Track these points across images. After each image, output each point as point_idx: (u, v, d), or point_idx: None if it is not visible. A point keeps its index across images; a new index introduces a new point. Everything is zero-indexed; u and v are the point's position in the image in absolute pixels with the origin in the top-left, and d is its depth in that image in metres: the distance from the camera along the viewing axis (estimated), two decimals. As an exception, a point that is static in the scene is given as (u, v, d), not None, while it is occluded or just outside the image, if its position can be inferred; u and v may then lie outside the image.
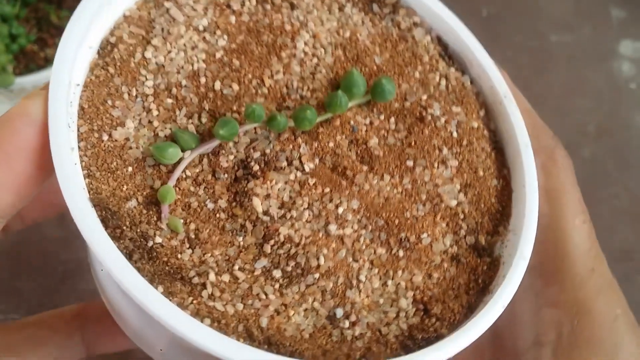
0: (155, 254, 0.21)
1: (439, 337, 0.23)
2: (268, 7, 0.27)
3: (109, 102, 0.23)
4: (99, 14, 0.24)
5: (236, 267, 0.22)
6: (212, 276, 0.21)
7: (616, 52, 0.72)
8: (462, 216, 0.26)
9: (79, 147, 0.22)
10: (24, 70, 0.54)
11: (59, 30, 0.56)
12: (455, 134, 0.27)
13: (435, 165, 0.26)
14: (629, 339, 0.25)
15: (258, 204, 0.23)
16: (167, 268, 0.21)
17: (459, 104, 0.28)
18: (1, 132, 0.22)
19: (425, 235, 0.25)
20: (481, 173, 0.27)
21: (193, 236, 0.22)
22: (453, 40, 0.29)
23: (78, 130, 0.22)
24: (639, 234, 0.53)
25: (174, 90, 0.24)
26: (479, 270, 0.25)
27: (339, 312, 0.22)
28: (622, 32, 0.73)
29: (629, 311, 0.27)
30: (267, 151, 0.24)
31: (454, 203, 0.26)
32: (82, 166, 0.21)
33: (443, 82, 0.28)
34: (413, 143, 0.26)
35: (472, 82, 0.29)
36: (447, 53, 0.29)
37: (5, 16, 0.52)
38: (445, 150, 0.27)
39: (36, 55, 0.55)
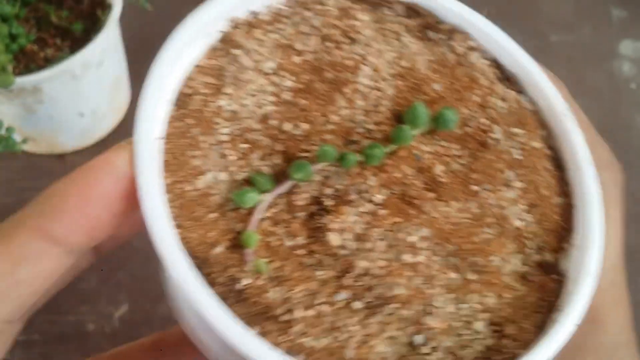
0: (245, 296, 0.23)
1: (514, 357, 0.24)
2: (329, 44, 0.29)
3: (189, 152, 0.25)
4: (173, 68, 0.26)
5: (319, 301, 0.24)
6: (298, 312, 0.23)
7: (616, 52, 0.72)
8: (528, 235, 0.27)
9: (167, 199, 0.24)
10: (24, 70, 0.55)
11: (59, 30, 0.58)
12: (517, 156, 0.29)
13: (500, 187, 0.28)
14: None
15: (334, 238, 0.25)
16: (256, 308, 0.23)
17: (519, 125, 0.29)
18: (83, 178, 0.24)
19: (494, 258, 0.26)
20: (544, 192, 0.28)
21: (276, 275, 0.24)
22: (509, 62, 0.31)
23: (165, 182, 0.25)
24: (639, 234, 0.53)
25: (248, 135, 0.26)
26: (547, 288, 0.26)
27: (419, 339, 0.24)
28: (623, 32, 0.74)
29: (633, 336, 0.28)
30: (339, 187, 0.26)
31: (519, 223, 0.27)
32: (172, 216, 0.24)
33: (502, 104, 0.30)
34: (477, 168, 0.28)
35: (530, 103, 0.30)
36: (504, 75, 0.31)
37: (5, 16, 0.53)
38: (508, 173, 0.28)
39: (36, 55, 0.56)
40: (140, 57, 0.64)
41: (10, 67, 0.51)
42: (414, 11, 0.31)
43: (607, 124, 0.56)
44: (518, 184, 0.28)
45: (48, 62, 0.55)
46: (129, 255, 0.57)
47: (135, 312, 0.55)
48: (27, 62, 0.55)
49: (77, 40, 0.57)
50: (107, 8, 0.58)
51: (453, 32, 0.31)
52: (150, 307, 0.55)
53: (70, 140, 0.63)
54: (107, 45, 0.58)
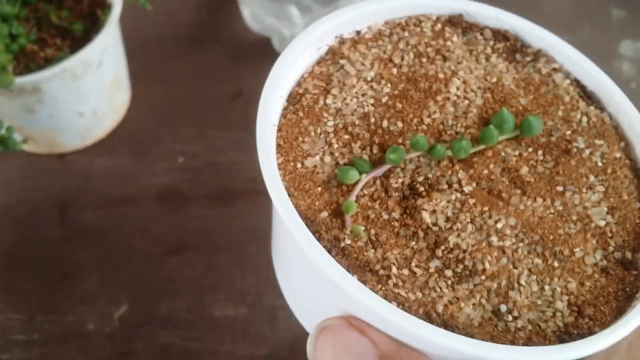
0: (347, 252, 0.26)
1: (591, 334, 0.26)
2: (424, 59, 0.33)
3: (300, 138, 0.30)
4: (289, 72, 0.31)
5: (413, 264, 0.27)
6: (394, 269, 0.26)
7: (616, 52, 0.73)
8: (610, 234, 0.30)
9: (279, 174, 0.28)
10: (24, 70, 0.55)
11: (59, 31, 0.59)
12: (599, 163, 0.31)
13: (584, 190, 0.31)
14: None
15: (427, 216, 0.28)
16: (357, 262, 0.26)
17: (600, 137, 0.32)
18: None
19: (577, 249, 0.29)
20: (625, 197, 0.31)
21: (374, 239, 0.27)
22: (591, 82, 0.34)
23: (277, 162, 0.29)
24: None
25: (350, 129, 0.30)
26: (627, 281, 0.28)
27: (503, 308, 0.26)
28: (623, 32, 0.75)
29: None
30: (430, 176, 0.29)
31: (602, 223, 0.30)
32: (284, 187, 0.28)
33: (584, 119, 0.33)
34: (561, 171, 0.31)
35: (610, 118, 0.33)
36: (586, 93, 0.34)
37: (5, 16, 0.53)
38: (591, 178, 0.31)
39: (36, 55, 0.56)
40: (140, 57, 0.68)
41: (10, 67, 0.52)
42: (502, 36, 0.35)
43: None
44: (600, 188, 0.31)
45: (48, 62, 0.56)
46: (129, 256, 0.58)
47: (135, 312, 0.55)
48: (27, 62, 0.56)
49: (77, 40, 0.58)
50: (107, 8, 0.58)
51: (538, 55, 0.35)
52: (151, 307, 0.55)
53: (70, 140, 0.63)
54: (107, 45, 0.58)
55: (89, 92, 0.59)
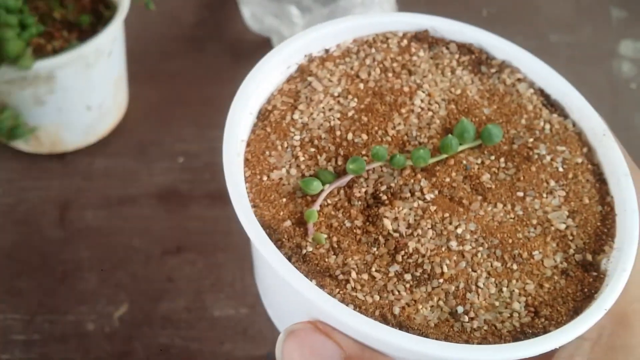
0: (308, 258, 0.28)
1: (546, 333, 0.27)
2: (390, 74, 0.35)
3: (267, 152, 0.32)
4: (258, 89, 0.33)
5: (373, 269, 0.28)
6: (353, 274, 0.28)
7: (616, 52, 0.74)
8: (570, 237, 0.31)
9: (245, 187, 0.30)
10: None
11: (64, 25, 0.61)
12: (561, 169, 0.33)
13: (544, 195, 0.32)
14: None
15: (388, 223, 0.29)
16: (317, 268, 0.28)
17: (563, 143, 0.34)
18: None
19: (536, 252, 0.30)
20: (587, 201, 0.32)
21: (336, 246, 0.29)
22: (555, 90, 0.36)
23: (244, 175, 0.30)
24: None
25: (316, 142, 0.32)
26: (586, 282, 0.30)
27: (460, 309, 0.28)
28: (622, 32, 0.76)
29: None
30: (392, 185, 0.31)
31: (562, 226, 0.31)
32: (249, 199, 0.29)
33: (547, 126, 0.34)
34: (522, 178, 0.32)
35: (574, 125, 0.35)
36: (550, 102, 0.36)
37: (9, 9, 0.53)
38: (552, 183, 0.32)
39: (43, 48, 0.58)
40: (140, 56, 0.69)
41: (29, 51, 0.53)
42: (467, 49, 0.37)
43: (607, 124, 0.59)
44: (561, 193, 0.32)
45: (56, 53, 0.57)
46: (129, 256, 0.59)
47: (135, 312, 0.56)
48: (36, 56, 0.56)
49: (85, 33, 0.60)
50: (109, 4, 0.61)
51: (503, 66, 0.36)
52: (150, 307, 0.56)
53: (74, 136, 0.64)
54: (117, 35, 0.61)
55: (99, 83, 0.61)
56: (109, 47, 0.60)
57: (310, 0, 0.73)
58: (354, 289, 0.28)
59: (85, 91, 0.61)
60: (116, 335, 0.54)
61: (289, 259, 0.28)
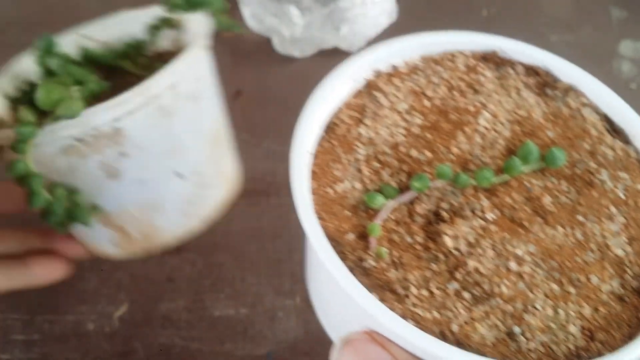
0: (369, 272, 0.29)
1: (601, 357, 0.28)
2: (455, 93, 0.36)
3: (332, 165, 0.33)
4: (326, 103, 0.34)
5: (432, 285, 0.29)
6: (413, 290, 0.29)
7: (616, 53, 0.74)
8: (628, 264, 0.32)
9: (311, 199, 0.31)
10: None
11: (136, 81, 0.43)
12: (622, 195, 0.33)
13: (604, 220, 0.33)
14: None
15: (449, 241, 0.31)
16: (378, 282, 0.29)
17: (625, 170, 0.34)
18: None
19: (594, 277, 0.31)
20: None
21: (396, 261, 0.30)
22: (618, 117, 0.36)
23: (311, 187, 0.32)
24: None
25: (380, 157, 0.33)
26: None
27: (517, 330, 0.29)
28: (623, 33, 0.76)
29: None
30: (454, 203, 0.32)
31: (620, 252, 0.32)
32: (314, 210, 0.31)
33: (610, 152, 0.35)
34: (583, 202, 0.33)
35: (636, 152, 0.35)
36: (614, 128, 0.36)
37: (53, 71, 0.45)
38: (613, 209, 0.33)
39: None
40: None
41: (77, 94, 0.40)
42: (533, 71, 0.37)
43: None
44: (621, 219, 0.33)
45: None
46: None
47: (135, 312, 0.56)
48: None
49: None
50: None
51: (568, 90, 0.37)
52: (150, 306, 0.56)
53: (170, 222, 0.46)
54: (200, 74, 0.44)
55: (184, 138, 0.44)
56: (190, 87, 0.42)
57: (310, 0, 0.73)
58: (414, 304, 0.29)
59: (168, 149, 0.43)
60: (116, 335, 0.55)
61: (352, 271, 0.29)
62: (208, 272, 0.58)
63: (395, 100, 0.36)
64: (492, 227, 0.32)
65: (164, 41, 0.49)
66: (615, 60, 0.74)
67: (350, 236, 0.31)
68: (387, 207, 0.32)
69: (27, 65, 0.44)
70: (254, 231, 0.60)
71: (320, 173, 0.33)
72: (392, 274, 0.30)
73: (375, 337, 0.29)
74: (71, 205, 0.40)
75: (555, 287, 0.31)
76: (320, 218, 0.31)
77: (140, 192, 0.43)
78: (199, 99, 0.44)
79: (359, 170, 0.33)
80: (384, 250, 0.30)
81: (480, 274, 0.30)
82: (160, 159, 0.43)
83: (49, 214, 0.39)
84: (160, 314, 0.56)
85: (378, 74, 0.37)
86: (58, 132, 0.37)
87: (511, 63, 0.38)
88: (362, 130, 0.35)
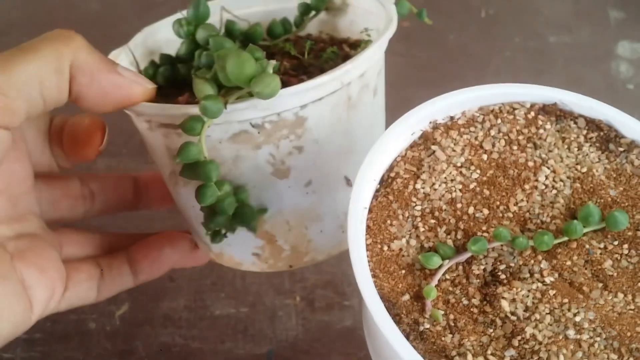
0: (425, 336, 0.29)
1: None
2: (514, 147, 0.36)
3: (388, 221, 0.33)
4: (382, 155, 0.34)
5: (489, 352, 0.29)
6: (469, 357, 0.29)
7: (614, 53, 0.74)
8: None
9: (367, 255, 0.31)
10: None
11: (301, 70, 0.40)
12: None
13: None
14: None
15: (506, 304, 0.30)
16: (434, 347, 0.29)
17: None
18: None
19: None
20: None
21: (452, 324, 0.30)
22: None
23: (366, 243, 0.32)
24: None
25: (437, 213, 0.33)
26: None
27: None
28: (620, 33, 0.77)
29: None
30: (512, 264, 0.32)
31: None
32: (369, 268, 0.31)
33: (675, 214, 0.34)
34: None
35: None
36: None
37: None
38: None
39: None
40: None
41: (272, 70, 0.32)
42: (595, 125, 0.37)
43: None
44: None
45: None
46: None
47: (136, 311, 0.57)
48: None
49: None
50: (355, 44, 0.44)
51: (632, 145, 0.36)
52: (151, 306, 0.57)
53: (325, 236, 0.40)
54: (381, 65, 0.40)
55: (362, 136, 0.39)
56: (373, 80, 0.38)
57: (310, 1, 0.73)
58: None
59: (344, 148, 0.38)
60: (117, 334, 0.55)
61: (407, 336, 0.29)
62: (208, 272, 0.59)
63: (453, 153, 0.36)
64: (551, 291, 0.31)
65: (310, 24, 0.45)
66: (613, 60, 0.75)
67: (406, 297, 0.31)
68: (443, 267, 0.32)
69: (146, 40, 0.43)
70: None
71: (375, 229, 0.33)
72: (448, 339, 0.30)
73: None
74: (239, 205, 0.35)
75: (614, 356, 0.30)
76: (375, 276, 0.31)
77: (304, 197, 0.38)
78: (378, 94, 0.40)
79: (415, 227, 0.33)
80: (440, 314, 0.30)
81: (538, 342, 0.30)
82: (334, 160, 0.38)
83: (215, 215, 0.34)
84: (161, 313, 0.57)
85: (435, 126, 0.37)
86: (238, 114, 0.33)
87: (573, 116, 0.38)
88: (419, 185, 0.35)
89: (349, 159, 0.39)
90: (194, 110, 0.32)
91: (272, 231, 0.38)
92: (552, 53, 0.76)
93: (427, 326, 0.30)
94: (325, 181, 0.38)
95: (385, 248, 0.32)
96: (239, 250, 0.40)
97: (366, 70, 0.37)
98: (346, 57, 0.38)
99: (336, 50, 0.42)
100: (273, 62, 0.32)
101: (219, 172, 0.33)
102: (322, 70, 0.36)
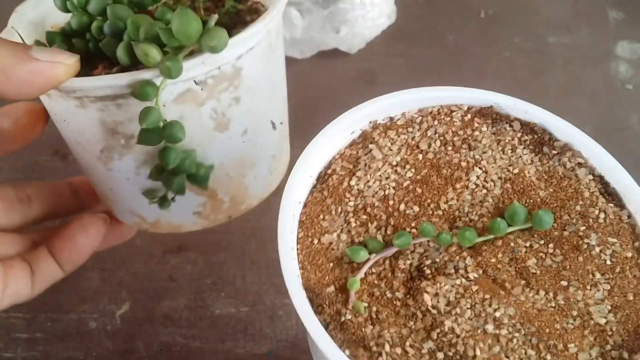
0: (345, 326, 0.30)
1: None
2: (449, 147, 0.37)
3: (321, 216, 0.34)
4: (321, 152, 0.35)
5: (407, 344, 0.30)
6: (387, 347, 0.30)
7: (613, 54, 0.76)
8: (609, 333, 0.32)
9: (296, 248, 0.33)
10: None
11: None
12: (609, 262, 0.34)
13: (588, 287, 0.33)
14: None
15: (428, 299, 0.31)
16: (353, 337, 0.30)
17: (615, 235, 0.35)
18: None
19: (572, 345, 0.31)
20: (631, 297, 0.33)
21: (374, 316, 0.31)
22: (614, 179, 0.37)
23: (297, 236, 0.33)
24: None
25: (369, 209, 0.34)
26: None
27: None
28: (619, 34, 0.79)
29: None
30: (437, 260, 0.33)
31: (602, 321, 0.32)
32: (298, 260, 0.32)
33: (602, 215, 0.35)
34: (568, 266, 0.34)
35: (629, 217, 0.36)
36: (607, 191, 0.36)
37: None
38: (598, 275, 0.33)
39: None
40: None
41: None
42: (530, 128, 0.38)
43: (603, 124, 0.58)
44: (606, 286, 0.33)
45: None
46: (131, 255, 0.60)
47: (136, 311, 0.57)
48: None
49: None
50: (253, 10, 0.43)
51: (564, 149, 0.38)
52: (152, 305, 0.58)
53: (258, 181, 0.42)
54: (279, 28, 0.41)
55: (279, 82, 0.42)
56: (280, 23, 0.40)
57: (310, 2, 0.75)
58: None
59: (269, 94, 0.40)
60: (118, 333, 0.56)
61: (327, 325, 0.30)
62: (209, 271, 0.60)
63: (389, 152, 0.37)
64: (474, 287, 0.33)
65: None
66: (613, 61, 0.77)
67: (331, 289, 0.32)
68: (369, 261, 0.33)
69: (28, 14, 0.42)
70: (254, 230, 0.61)
71: (308, 223, 0.34)
72: (368, 330, 0.31)
73: None
74: (188, 165, 0.36)
75: (532, 352, 0.31)
76: (302, 268, 0.32)
77: (241, 146, 0.39)
78: (277, 49, 0.41)
79: (347, 222, 0.34)
80: (363, 305, 0.31)
81: (456, 335, 0.31)
82: (263, 105, 0.40)
83: (174, 177, 0.36)
84: (162, 312, 0.57)
85: (375, 125, 0.38)
86: (184, 73, 0.33)
87: (508, 119, 0.39)
88: (354, 182, 0.36)
89: (272, 103, 0.41)
90: (144, 75, 0.33)
91: (213, 186, 0.40)
92: (552, 53, 0.77)
93: (349, 317, 0.31)
94: (258, 127, 0.40)
95: (316, 241, 0.34)
96: (179, 214, 0.41)
97: (279, 14, 0.39)
98: (240, 12, 0.41)
99: (235, 5, 0.42)
100: (215, 16, 0.33)
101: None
102: (223, 25, 0.35)
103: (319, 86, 0.75)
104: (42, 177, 0.65)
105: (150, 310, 0.58)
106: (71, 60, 0.33)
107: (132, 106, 0.34)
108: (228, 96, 0.36)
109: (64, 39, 0.40)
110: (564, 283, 0.33)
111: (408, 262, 0.33)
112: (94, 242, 0.42)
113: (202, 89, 0.35)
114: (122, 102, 0.33)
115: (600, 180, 0.37)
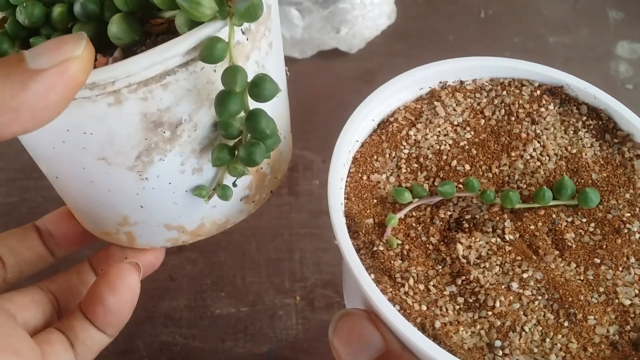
0: (376, 255, 0.33)
1: None
2: (513, 118, 0.39)
3: (375, 156, 0.37)
4: (387, 100, 0.38)
5: (431, 283, 0.32)
6: (411, 281, 0.32)
7: (613, 54, 0.76)
8: (632, 315, 0.33)
9: (345, 180, 0.35)
10: None
11: None
12: None
13: (620, 268, 0.34)
14: None
15: (460, 248, 0.33)
16: (381, 266, 0.33)
17: None
18: None
19: (592, 317, 0.33)
20: None
21: (405, 253, 0.33)
22: None
23: (349, 170, 0.36)
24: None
25: (421, 160, 0.37)
26: (630, 359, 0.32)
27: (498, 343, 0.31)
28: (620, 34, 0.78)
29: None
30: (477, 216, 0.35)
31: (627, 302, 0.33)
32: (344, 191, 0.35)
33: (650, 207, 0.36)
34: (605, 246, 0.35)
35: None
36: None
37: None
38: (632, 260, 0.35)
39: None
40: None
41: None
42: (596, 114, 0.39)
43: None
44: (638, 271, 0.34)
45: None
46: None
47: (136, 310, 0.55)
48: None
49: None
50: None
51: (626, 139, 0.38)
52: (152, 305, 0.58)
53: (286, 146, 0.41)
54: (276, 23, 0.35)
55: (277, 78, 0.35)
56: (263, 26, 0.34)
57: (310, 2, 0.76)
58: (405, 293, 0.32)
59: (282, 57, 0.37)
60: (118, 333, 0.58)
61: (359, 250, 0.33)
62: (209, 271, 0.61)
63: (453, 112, 0.39)
64: (507, 247, 0.34)
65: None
66: (612, 61, 0.77)
67: (369, 221, 0.34)
68: (412, 204, 0.35)
69: None
70: (254, 230, 0.62)
71: (362, 160, 0.37)
72: (397, 263, 0.33)
73: (371, 317, 0.32)
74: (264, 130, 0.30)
75: (550, 316, 0.33)
76: (348, 199, 0.35)
77: (278, 102, 0.36)
78: (273, 44, 0.35)
79: (398, 167, 0.37)
80: (396, 241, 0.34)
81: (480, 284, 0.33)
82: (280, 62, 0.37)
83: (255, 147, 0.31)
84: (162, 312, 0.58)
85: (444, 86, 0.40)
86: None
87: (577, 102, 0.40)
88: (412, 132, 0.38)
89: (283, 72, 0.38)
90: (205, 31, 0.28)
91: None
92: (552, 53, 0.77)
93: (381, 248, 0.33)
94: (282, 84, 0.37)
95: (365, 178, 0.36)
96: (225, 206, 0.37)
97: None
98: None
99: None
100: None
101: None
102: None
103: (319, 86, 0.75)
104: (42, 177, 0.68)
105: (150, 310, 0.58)
106: (80, 47, 0.24)
107: (181, 82, 0.29)
108: (265, 42, 0.33)
109: (12, 42, 0.33)
110: (597, 260, 0.34)
111: (448, 213, 0.35)
112: (128, 297, 0.38)
113: (247, 39, 0.31)
114: (170, 80, 0.29)
115: None
